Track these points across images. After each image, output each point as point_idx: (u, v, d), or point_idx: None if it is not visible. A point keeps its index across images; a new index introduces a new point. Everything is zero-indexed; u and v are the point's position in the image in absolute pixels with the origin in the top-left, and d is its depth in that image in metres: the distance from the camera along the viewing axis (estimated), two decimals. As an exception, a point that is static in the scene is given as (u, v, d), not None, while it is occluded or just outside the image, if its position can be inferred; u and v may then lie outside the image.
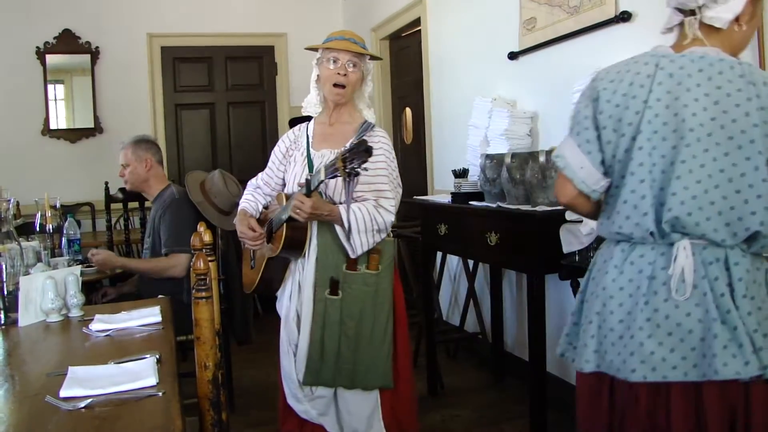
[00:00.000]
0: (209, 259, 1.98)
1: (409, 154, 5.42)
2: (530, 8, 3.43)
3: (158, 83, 6.07)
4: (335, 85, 2.44)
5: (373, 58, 2.54)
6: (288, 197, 2.41)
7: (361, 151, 1.97)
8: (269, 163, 2.63)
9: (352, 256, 2.37)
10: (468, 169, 3.37)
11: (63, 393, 1.42)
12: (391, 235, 2.50)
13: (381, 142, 2.43)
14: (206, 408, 1.56)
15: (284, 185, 2.58)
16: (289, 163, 2.56)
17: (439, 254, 4.28)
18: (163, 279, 3.21)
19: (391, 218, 2.37)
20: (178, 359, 1.83)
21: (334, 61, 2.43)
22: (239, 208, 2.61)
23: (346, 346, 2.40)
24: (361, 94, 2.56)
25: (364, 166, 1.99)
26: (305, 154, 2.50)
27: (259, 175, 2.67)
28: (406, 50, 5.40)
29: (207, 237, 2.00)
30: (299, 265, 2.47)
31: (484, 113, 3.53)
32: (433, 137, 4.71)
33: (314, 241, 2.42)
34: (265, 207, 2.62)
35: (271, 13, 6.27)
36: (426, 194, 4.67)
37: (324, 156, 2.41)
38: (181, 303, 3.08)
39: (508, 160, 2.80)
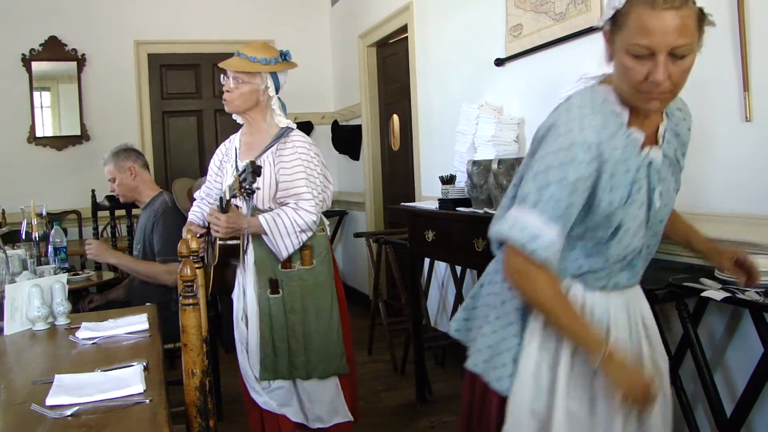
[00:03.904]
0: (196, 266, 1.98)
1: (396, 160, 5.43)
2: (516, 15, 3.45)
3: (145, 90, 6.05)
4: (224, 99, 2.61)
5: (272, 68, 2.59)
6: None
7: (250, 173, 2.16)
8: (207, 176, 2.81)
9: (281, 259, 2.51)
10: (455, 176, 3.38)
11: (49, 401, 1.41)
12: (326, 229, 2.65)
13: (296, 146, 2.54)
14: (194, 415, 1.55)
15: None
16: (224, 175, 2.70)
17: (426, 260, 4.28)
18: (152, 287, 3.18)
19: (312, 218, 2.48)
20: (167, 367, 1.82)
21: (225, 78, 2.58)
22: (188, 220, 2.79)
23: (295, 340, 2.53)
24: (269, 105, 2.64)
25: (256, 185, 2.21)
26: (234, 165, 2.64)
27: (203, 186, 2.83)
28: (393, 57, 5.41)
29: (194, 244, 2.00)
30: (241, 268, 2.62)
31: (471, 120, 3.54)
32: (421, 144, 4.72)
33: (251, 246, 2.56)
34: None
35: (259, 19, 6.27)
36: (413, 201, 4.68)
37: None
38: (170, 311, 3.07)
39: (495, 166, 2.81)
